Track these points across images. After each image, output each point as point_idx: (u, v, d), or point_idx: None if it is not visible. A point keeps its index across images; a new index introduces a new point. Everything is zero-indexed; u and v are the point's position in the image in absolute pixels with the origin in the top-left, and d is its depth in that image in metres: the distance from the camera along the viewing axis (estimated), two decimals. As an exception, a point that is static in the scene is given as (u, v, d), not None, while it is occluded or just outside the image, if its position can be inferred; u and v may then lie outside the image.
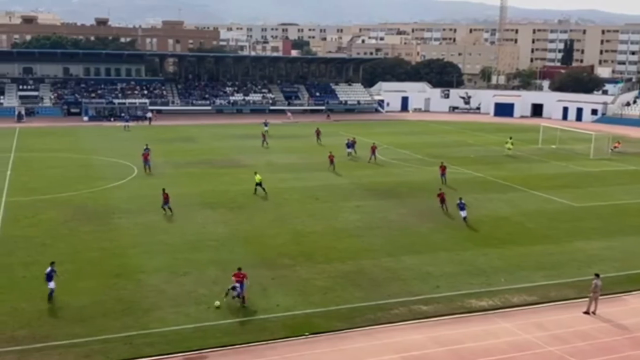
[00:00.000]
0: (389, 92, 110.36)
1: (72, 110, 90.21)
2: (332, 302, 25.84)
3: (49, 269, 25.55)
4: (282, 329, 23.38)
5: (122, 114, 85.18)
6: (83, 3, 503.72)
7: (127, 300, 25.34)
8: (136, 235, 34.05)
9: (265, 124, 75.92)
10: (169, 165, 53.60)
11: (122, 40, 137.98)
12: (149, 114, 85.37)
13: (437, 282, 28.15)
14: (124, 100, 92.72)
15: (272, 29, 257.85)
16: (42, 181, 46.58)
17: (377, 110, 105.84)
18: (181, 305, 24.92)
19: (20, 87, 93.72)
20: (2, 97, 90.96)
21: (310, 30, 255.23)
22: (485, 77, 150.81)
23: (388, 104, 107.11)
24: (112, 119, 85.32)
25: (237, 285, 24.96)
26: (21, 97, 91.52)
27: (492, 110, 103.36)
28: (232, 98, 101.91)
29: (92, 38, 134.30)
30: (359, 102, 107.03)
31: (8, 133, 70.37)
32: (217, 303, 24.67)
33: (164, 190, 38.06)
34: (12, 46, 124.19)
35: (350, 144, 59.82)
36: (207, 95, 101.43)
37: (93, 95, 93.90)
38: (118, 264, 29.39)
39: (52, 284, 25.22)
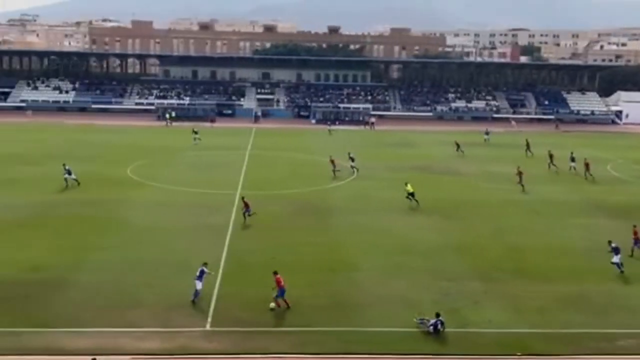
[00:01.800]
0: (629, 102, 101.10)
1: (302, 113, 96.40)
2: (549, 324, 24.21)
3: (201, 268, 25.17)
4: (495, 346, 22.45)
5: (346, 118, 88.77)
6: (319, 9, 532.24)
7: (338, 296, 26.17)
8: (352, 233, 35.10)
9: (487, 133, 73.91)
10: (387, 169, 54.50)
11: (351, 47, 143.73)
12: (372, 119, 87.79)
13: (675, 317, 24.99)
14: (348, 105, 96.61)
15: (501, 35, 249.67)
16: (270, 177, 50.14)
17: (613, 122, 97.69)
18: (390, 308, 25.11)
19: (258, 90, 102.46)
20: (242, 99, 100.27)
21: (542, 35, 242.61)
22: None
23: (627, 116, 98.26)
24: (337, 123, 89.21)
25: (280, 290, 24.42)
26: (259, 99, 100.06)
27: None
28: (453, 104, 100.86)
29: (324, 45, 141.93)
30: (592, 112, 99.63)
31: (246, 132, 77.11)
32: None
33: (243, 198, 37.59)
34: (253, 53, 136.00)
35: (573, 158, 55.69)
36: (428, 102, 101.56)
37: (321, 99, 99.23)
38: (333, 259, 30.51)
39: (199, 285, 24.86)
